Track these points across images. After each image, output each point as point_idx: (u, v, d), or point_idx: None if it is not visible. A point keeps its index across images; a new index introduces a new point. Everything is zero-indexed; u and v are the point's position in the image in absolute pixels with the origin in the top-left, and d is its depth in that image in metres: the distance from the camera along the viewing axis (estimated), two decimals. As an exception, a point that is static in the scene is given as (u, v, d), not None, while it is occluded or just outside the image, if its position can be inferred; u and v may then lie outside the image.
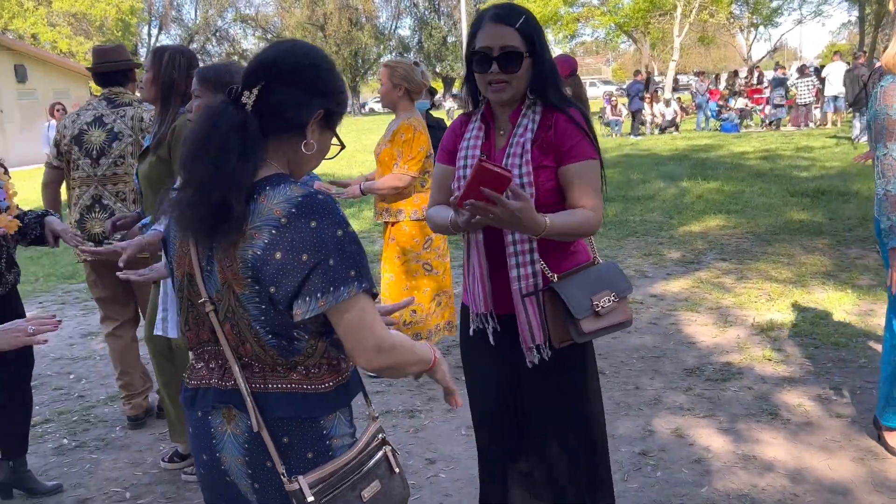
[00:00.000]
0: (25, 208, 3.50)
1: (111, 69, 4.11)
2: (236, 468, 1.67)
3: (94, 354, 5.60)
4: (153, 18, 51.67)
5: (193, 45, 49.18)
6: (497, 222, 2.10)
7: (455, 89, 51.73)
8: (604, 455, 2.56)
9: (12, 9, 37.25)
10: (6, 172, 3.35)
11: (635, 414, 4.05)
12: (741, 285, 6.30)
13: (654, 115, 22.65)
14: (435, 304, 4.77)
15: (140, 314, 4.38)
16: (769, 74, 23.79)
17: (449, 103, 32.79)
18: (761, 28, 45.26)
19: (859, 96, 15.37)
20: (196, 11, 55.33)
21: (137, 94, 4.24)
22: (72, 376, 5.19)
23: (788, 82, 21.81)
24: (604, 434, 2.56)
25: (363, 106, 54.53)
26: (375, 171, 4.84)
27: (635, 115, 21.84)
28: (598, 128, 22.91)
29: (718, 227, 8.60)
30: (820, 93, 20.86)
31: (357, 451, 1.68)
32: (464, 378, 2.61)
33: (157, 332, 3.44)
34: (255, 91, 1.62)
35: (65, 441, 4.17)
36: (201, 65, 3.36)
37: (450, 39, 51.19)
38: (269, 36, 55.48)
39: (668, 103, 23.41)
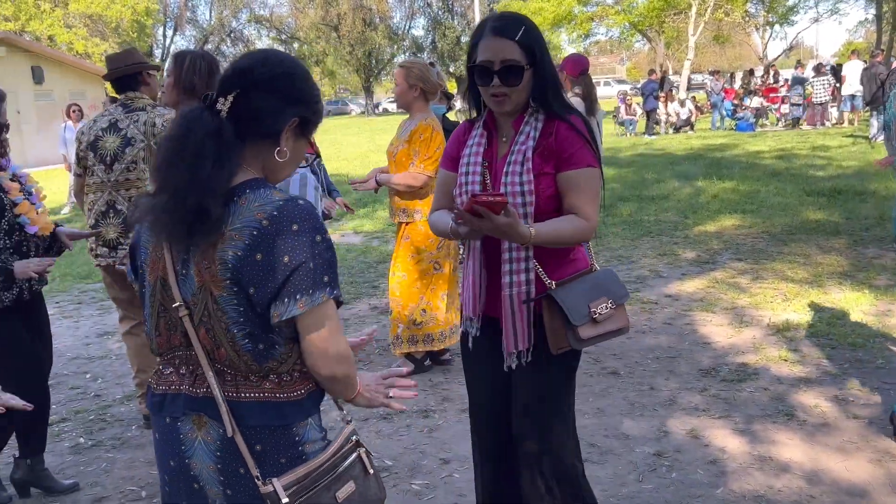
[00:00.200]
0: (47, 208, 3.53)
1: (122, 74, 4.13)
2: (207, 475, 1.67)
3: (110, 354, 5.64)
4: (168, 20, 51.92)
5: (208, 46, 49.40)
6: (486, 232, 2.17)
7: (468, 89, 51.74)
8: (574, 455, 2.56)
9: (29, 11, 37.52)
10: (22, 189, 3.36)
11: (650, 414, 4.03)
12: (757, 285, 6.27)
13: (668, 115, 22.55)
14: (446, 304, 4.77)
15: None
16: (786, 73, 23.64)
17: (459, 103, 32.68)
18: (777, 26, 45.01)
19: (876, 95, 15.26)
20: (211, 12, 55.61)
21: (160, 95, 4.27)
22: (88, 375, 5.23)
23: (806, 81, 21.65)
24: (574, 434, 2.59)
25: (377, 106, 54.53)
26: (387, 169, 4.84)
27: (650, 114, 21.74)
28: (613, 127, 22.87)
29: (734, 227, 8.55)
30: (837, 91, 20.70)
31: (331, 454, 1.71)
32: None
33: None
34: (231, 98, 1.64)
35: (81, 440, 4.20)
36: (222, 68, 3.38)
37: (463, 39, 51.06)
38: (283, 36, 55.66)
39: (682, 102, 23.30)
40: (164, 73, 4.15)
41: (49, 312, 3.52)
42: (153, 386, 1.77)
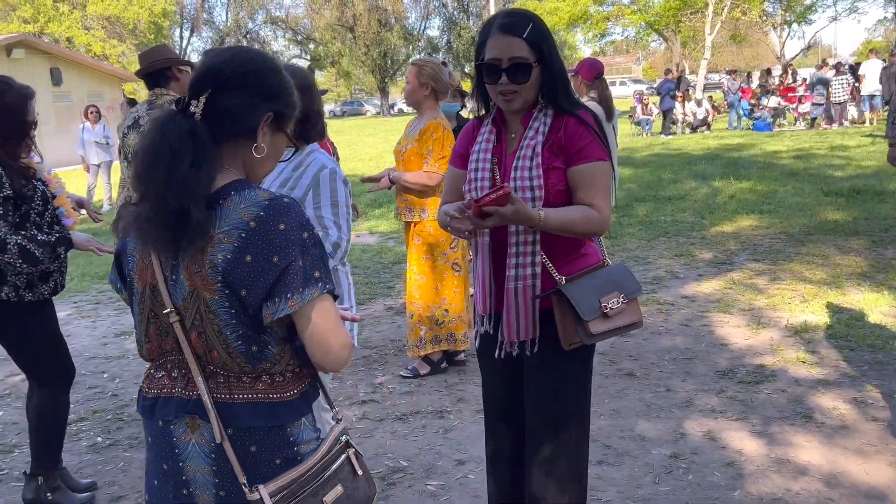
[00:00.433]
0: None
1: (151, 70, 4.17)
2: (201, 477, 1.67)
3: (127, 353, 5.67)
4: (185, 21, 52.27)
5: (228, 45, 49.66)
6: (498, 224, 2.21)
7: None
8: (581, 453, 2.55)
9: (48, 13, 37.89)
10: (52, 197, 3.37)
11: (666, 416, 4.01)
12: (774, 286, 6.22)
13: (685, 114, 22.44)
14: (466, 304, 4.77)
15: None
16: (804, 72, 23.43)
17: (471, 104, 32.59)
18: (795, 25, 44.58)
19: (896, 94, 15.11)
20: (227, 14, 55.91)
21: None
22: (105, 375, 5.26)
23: (829, 81, 21.45)
24: (588, 432, 2.58)
25: (392, 106, 54.62)
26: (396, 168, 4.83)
27: (666, 114, 21.65)
28: (629, 127, 22.78)
29: (751, 228, 8.50)
30: (855, 91, 20.53)
31: (320, 456, 1.70)
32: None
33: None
34: (203, 99, 1.64)
35: (99, 439, 4.22)
36: None
37: (479, 31, 51.06)
38: (298, 38, 55.89)
39: (699, 102, 23.18)
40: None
41: (67, 312, 3.55)
42: (144, 390, 1.76)
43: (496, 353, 2.46)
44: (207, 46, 51.32)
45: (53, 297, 3.40)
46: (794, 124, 21.97)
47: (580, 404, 2.49)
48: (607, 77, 5.66)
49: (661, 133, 21.66)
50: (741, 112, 22.57)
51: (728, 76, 24.96)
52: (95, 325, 6.45)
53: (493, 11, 29.98)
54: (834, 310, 5.51)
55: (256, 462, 1.64)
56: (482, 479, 3.44)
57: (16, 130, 3.18)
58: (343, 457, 1.75)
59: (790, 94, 23.18)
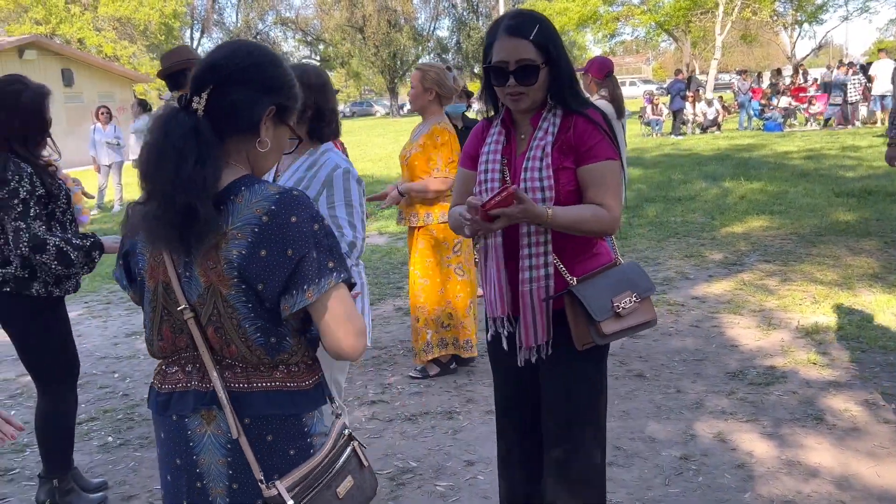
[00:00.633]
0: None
1: (170, 71, 4.18)
2: (216, 469, 1.68)
3: (138, 353, 5.69)
4: (195, 22, 52.43)
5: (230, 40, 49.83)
6: (505, 225, 2.22)
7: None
8: (595, 454, 2.55)
9: (60, 14, 38.07)
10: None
11: (676, 418, 4.00)
12: (785, 287, 6.20)
13: (695, 115, 22.36)
14: (471, 310, 4.75)
15: None
16: (815, 72, 23.28)
17: (477, 104, 32.47)
18: (806, 25, 44.39)
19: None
20: (237, 15, 56.07)
21: None
22: (116, 375, 5.28)
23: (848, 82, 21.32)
24: (603, 434, 2.57)
25: (402, 107, 54.60)
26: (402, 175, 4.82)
27: (676, 114, 21.59)
28: (639, 127, 22.72)
29: (762, 228, 8.46)
30: (866, 91, 20.40)
31: (328, 450, 1.72)
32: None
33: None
34: (205, 95, 1.64)
35: (109, 439, 4.24)
36: None
37: (485, 33, 51.01)
38: (308, 38, 55.97)
39: (710, 102, 23.09)
40: None
41: (78, 312, 3.56)
42: (157, 386, 1.77)
43: (518, 361, 2.44)
44: (218, 47, 51.51)
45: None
46: (805, 125, 21.86)
47: (594, 405, 2.48)
48: (617, 77, 5.64)
49: (671, 133, 21.60)
50: (752, 112, 22.49)
51: (738, 76, 24.86)
52: (106, 325, 6.48)
53: (502, 12, 30.00)
54: (845, 311, 5.48)
55: (271, 452, 1.66)
56: (491, 481, 3.45)
57: (37, 129, 3.20)
58: (349, 449, 1.77)
59: (801, 95, 23.08)
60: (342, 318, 1.63)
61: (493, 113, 2.53)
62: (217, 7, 54.53)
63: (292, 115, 1.77)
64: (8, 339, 3.33)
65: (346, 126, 39.81)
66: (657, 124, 22.42)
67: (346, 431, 1.79)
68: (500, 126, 2.46)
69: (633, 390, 4.38)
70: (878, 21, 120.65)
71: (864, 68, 21.80)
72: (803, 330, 5.18)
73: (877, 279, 6.20)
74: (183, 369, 1.72)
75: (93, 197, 3.62)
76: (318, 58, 56.22)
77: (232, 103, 1.65)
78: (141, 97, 16.57)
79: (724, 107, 24.09)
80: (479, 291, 6.41)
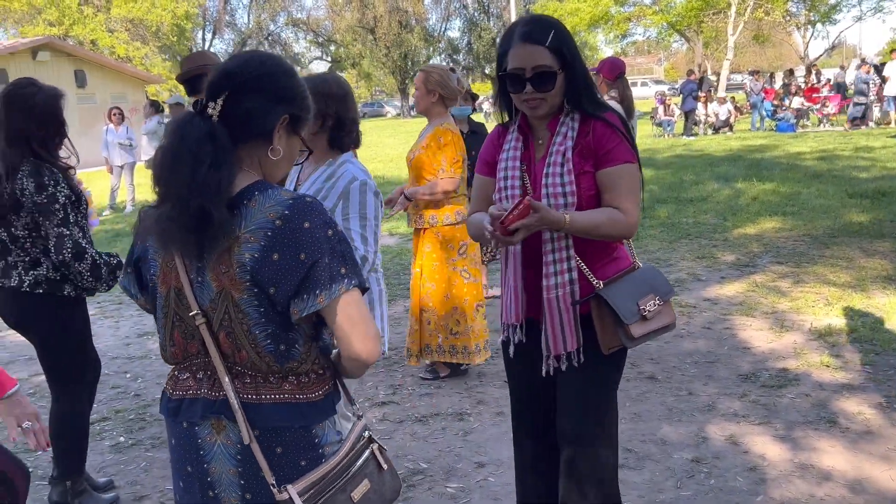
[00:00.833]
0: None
1: (187, 77, 4.20)
2: (227, 479, 1.68)
3: (150, 354, 5.71)
4: (207, 23, 52.63)
5: (246, 49, 50.01)
6: (525, 235, 2.21)
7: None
8: (609, 458, 2.54)
9: (73, 15, 38.29)
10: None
11: (688, 420, 3.98)
12: (798, 289, 6.16)
13: (707, 115, 22.27)
14: (480, 315, 4.73)
15: None
16: (828, 73, 23.11)
17: (487, 106, 32.37)
18: (819, 25, 44.16)
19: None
20: (249, 16, 56.27)
21: None
22: (128, 375, 5.30)
23: (848, 80, 21.19)
24: (614, 443, 2.57)
25: (412, 108, 54.65)
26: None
27: (688, 115, 21.51)
28: (650, 128, 22.65)
29: (774, 230, 8.42)
30: (881, 91, 20.26)
31: (344, 454, 1.72)
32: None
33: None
34: (220, 101, 1.66)
35: (121, 439, 4.26)
36: None
37: (499, 41, 51.04)
38: (319, 39, 56.09)
39: (722, 101, 22.99)
40: None
41: (91, 313, 3.57)
42: (169, 391, 1.78)
43: (543, 371, 2.43)
44: (229, 49, 51.80)
45: None
46: (819, 125, 21.74)
47: (609, 409, 2.49)
48: (628, 78, 5.63)
49: (682, 134, 21.52)
50: (764, 113, 22.38)
51: (751, 77, 24.74)
52: (118, 326, 6.50)
53: (513, 12, 29.97)
54: (859, 313, 5.44)
55: (282, 464, 1.66)
56: (502, 483, 3.44)
57: (54, 131, 3.22)
58: (367, 452, 1.78)
59: (814, 95, 22.94)
60: (354, 323, 1.63)
61: (507, 119, 2.51)
62: (229, 8, 54.77)
63: (305, 125, 1.79)
64: (20, 339, 3.35)
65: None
66: (669, 125, 22.33)
67: (367, 434, 1.80)
68: (517, 132, 2.44)
69: (645, 392, 4.36)
70: (892, 21, 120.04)
71: (878, 69, 21.65)
72: (816, 332, 5.15)
73: (891, 281, 6.15)
74: (194, 376, 1.73)
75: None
76: (329, 59, 56.38)
77: (246, 110, 1.67)
78: (153, 98, 16.64)
79: (736, 107, 23.97)
80: (491, 292, 6.43)
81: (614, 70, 5.45)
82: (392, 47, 49.70)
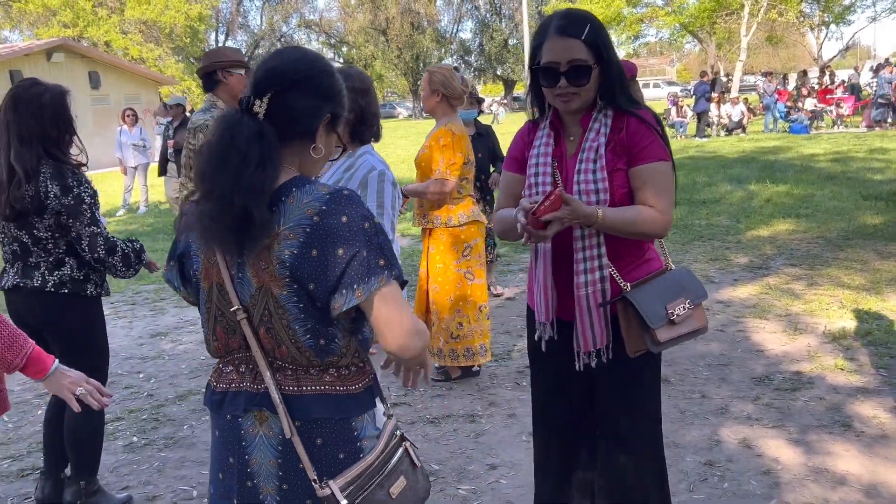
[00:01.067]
0: (101, 211, 3.59)
1: (200, 74, 4.23)
2: (266, 469, 1.70)
3: (163, 354, 5.74)
4: (220, 25, 52.82)
5: (259, 51, 50.20)
6: (558, 229, 2.18)
7: (517, 91, 51.52)
8: (660, 462, 2.53)
9: (87, 17, 38.53)
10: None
11: (701, 423, 3.96)
12: (812, 292, 6.13)
13: (720, 117, 22.18)
14: (483, 316, 4.72)
15: None
16: (842, 74, 22.96)
17: (495, 107, 32.29)
18: (833, 26, 43.90)
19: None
20: (262, 18, 56.41)
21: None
22: (141, 375, 5.32)
23: (863, 82, 21.06)
24: (661, 441, 2.55)
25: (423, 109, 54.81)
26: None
27: (701, 116, 21.43)
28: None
29: (788, 232, 8.38)
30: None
31: (380, 451, 1.73)
32: (524, 382, 2.61)
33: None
34: (266, 100, 1.66)
35: (135, 439, 4.28)
36: None
37: (511, 42, 50.98)
38: (332, 41, 56.21)
39: (735, 101, 22.88)
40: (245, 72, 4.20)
41: (104, 313, 3.58)
42: (213, 384, 1.80)
43: (577, 366, 2.40)
44: (242, 50, 51.88)
45: None
46: (833, 127, 21.61)
47: (650, 410, 2.47)
48: (640, 79, 5.63)
49: (695, 135, 21.46)
50: (777, 114, 22.27)
51: (764, 78, 24.62)
52: (132, 326, 6.54)
53: (525, 14, 29.95)
54: (873, 316, 5.41)
55: (321, 455, 1.67)
56: (514, 485, 3.44)
57: (64, 130, 3.24)
58: (401, 449, 1.78)
59: (827, 97, 22.81)
60: (392, 316, 1.63)
61: (538, 114, 2.49)
62: (242, 10, 54.91)
63: (342, 122, 1.80)
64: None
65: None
66: (681, 126, 22.26)
67: (399, 432, 1.81)
68: (548, 128, 2.42)
69: (657, 395, 4.34)
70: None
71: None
72: (830, 335, 5.12)
73: (906, 284, 6.11)
74: (237, 370, 1.75)
75: None
76: (341, 60, 56.46)
77: (293, 109, 1.68)
78: (166, 99, 16.74)
79: (749, 109, 23.86)
80: (497, 291, 6.43)
81: (626, 72, 5.44)
82: (404, 49, 49.77)
